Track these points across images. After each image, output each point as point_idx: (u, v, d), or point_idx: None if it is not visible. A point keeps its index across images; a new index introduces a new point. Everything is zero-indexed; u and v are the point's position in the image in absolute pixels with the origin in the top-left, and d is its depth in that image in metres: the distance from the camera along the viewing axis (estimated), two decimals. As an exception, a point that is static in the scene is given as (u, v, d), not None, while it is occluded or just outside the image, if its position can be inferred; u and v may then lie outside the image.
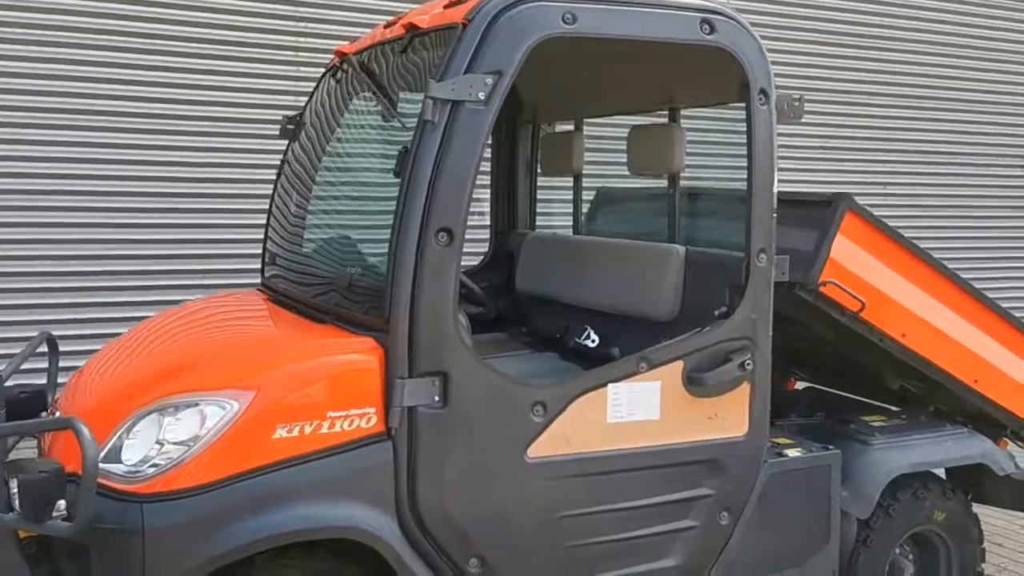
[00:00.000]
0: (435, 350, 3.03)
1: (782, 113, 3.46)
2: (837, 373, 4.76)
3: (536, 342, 4.39)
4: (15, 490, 2.81)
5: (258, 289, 4.08)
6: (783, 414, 4.23)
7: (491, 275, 4.91)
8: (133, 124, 6.66)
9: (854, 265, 3.83)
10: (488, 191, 5.02)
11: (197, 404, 2.89)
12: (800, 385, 5.17)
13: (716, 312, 3.47)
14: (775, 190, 3.49)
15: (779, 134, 3.48)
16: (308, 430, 2.91)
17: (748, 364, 3.45)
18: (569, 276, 4.28)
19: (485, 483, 3.13)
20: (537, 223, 5.08)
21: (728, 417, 3.49)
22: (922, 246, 4.11)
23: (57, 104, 6.46)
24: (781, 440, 3.89)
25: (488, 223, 5.08)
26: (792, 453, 3.75)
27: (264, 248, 4.16)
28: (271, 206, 4.16)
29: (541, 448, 3.19)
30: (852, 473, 3.90)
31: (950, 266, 4.21)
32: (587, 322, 4.10)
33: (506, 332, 4.60)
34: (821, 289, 3.78)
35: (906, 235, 4.06)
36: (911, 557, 4.18)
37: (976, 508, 4.31)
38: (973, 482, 4.44)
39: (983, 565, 4.26)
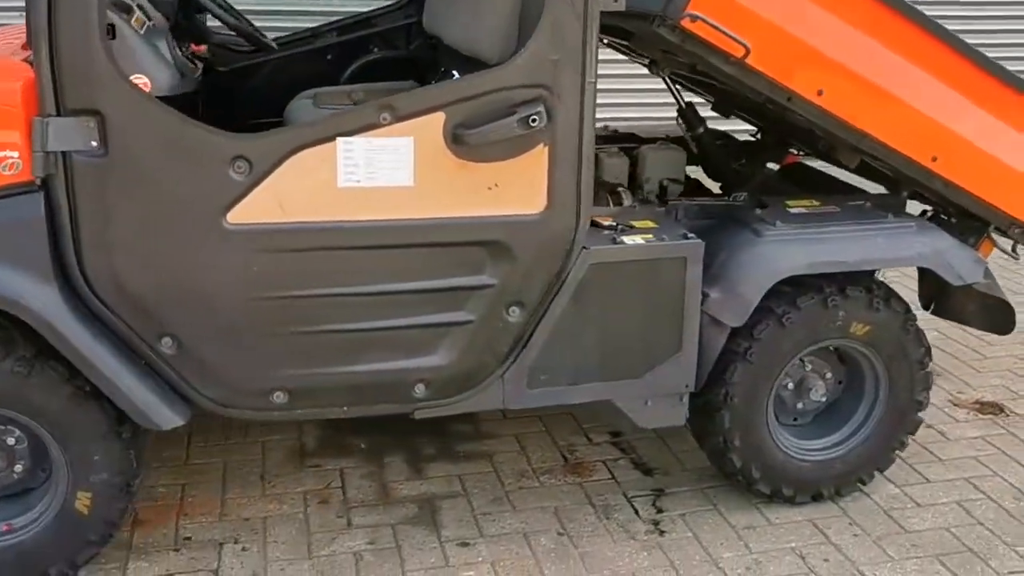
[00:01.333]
0: (83, 82, 2.42)
1: None
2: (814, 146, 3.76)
3: None
4: None
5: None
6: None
7: (412, 11, 4.15)
8: None
9: (738, -12, 2.82)
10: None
11: None
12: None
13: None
14: None
15: None
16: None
17: (535, 119, 2.63)
18: (445, 11, 3.47)
19: (170, 249, 2.58)
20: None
21: (514, 189, 2.72)
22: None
23: None
24: (639, 223, 3.07)
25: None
26: (632, 240, 2.94)
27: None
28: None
29: (246, 213, 2.59)
30: (729, 270, 3.07)
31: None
32: (457, 67, 3.33)
33: (414, 80, 3.89)
34: (686, 26, 2.82)
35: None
36: (829, 376, 3.34)
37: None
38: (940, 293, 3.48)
39: (927, 393, 3.38)
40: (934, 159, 3.14)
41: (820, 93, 2.97)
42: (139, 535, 3.14)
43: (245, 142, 2.56)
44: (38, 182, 2.48)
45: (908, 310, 3.26)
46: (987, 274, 3.29)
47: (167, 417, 2.70)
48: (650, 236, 2.97)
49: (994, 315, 3.46)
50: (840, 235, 3.13)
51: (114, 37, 2.57)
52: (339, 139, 2.58)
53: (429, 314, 2.79)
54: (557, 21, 2.61)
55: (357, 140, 2.59)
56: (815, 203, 3.36)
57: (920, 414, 3.38)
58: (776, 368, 3.19)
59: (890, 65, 3.01)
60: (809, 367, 3.32)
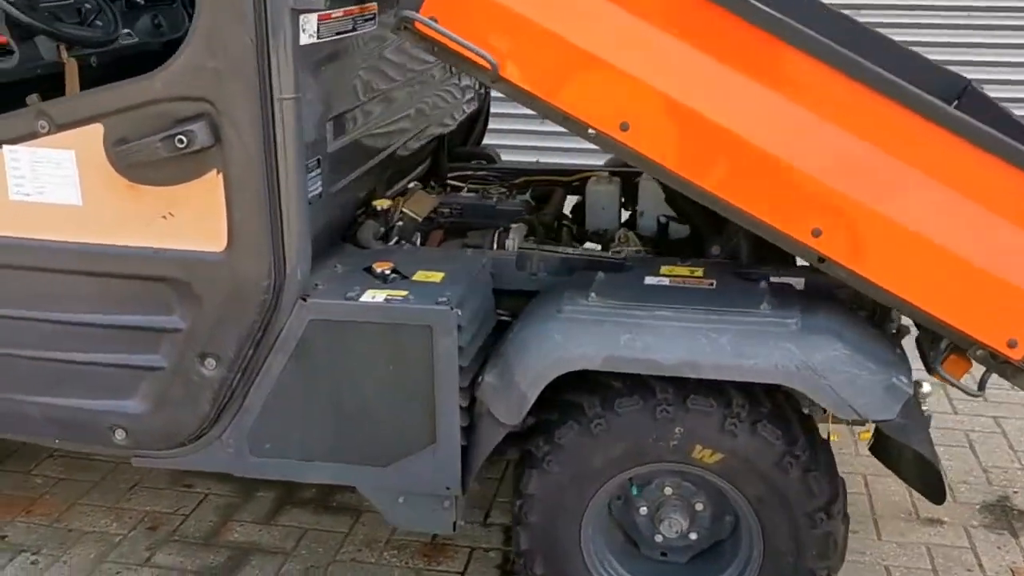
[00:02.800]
0: None
1: None
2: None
3: None
4: None
5: None
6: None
7: None
8: None
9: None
10: None
11: None
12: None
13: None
14: None
15: None
16: None
17: (182, 140, 2.15)
18: None
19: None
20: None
21: (190, 221, 2.26)
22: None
23: None
24: (422, 276, 2.43)
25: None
26: (372, 297, 2.33)
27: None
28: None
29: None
30: (509, 352, 2.34)
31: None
32: None
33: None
34: (420, 29, 2.14)
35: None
36: (700, 507, 2.45)
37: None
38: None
39: (827, 564, 2.34)
40: (815, 232, 2.12)
41: (623, 127, 2.12)
42: (-39, 524, 3.15)
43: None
44: None
45: (791, 440, 2.27)
46: (909, 413, 2.18)
47: None
48: (404, 294, 2.34)
49: (924, 473, 2.31)
50: (671, 325, 2.23)
51: None
52: (4, 147, 2.31)
53: (120, 353, 2.43)
54: (214, 24, 2.10)
55: (21, 150, 2.30)
56: (696, 272, 2.46)
57: (823, 594, 2.35)
58: (588, 486, 2.39)
59: (744, 89, 2.07)
60: (669, 490, 2.46)
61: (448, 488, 2.40)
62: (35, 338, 2.47)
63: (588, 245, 3.07)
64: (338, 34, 2.35)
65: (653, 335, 2.22)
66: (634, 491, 2.44)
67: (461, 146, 3.74)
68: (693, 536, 2.48)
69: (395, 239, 2.78)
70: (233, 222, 2.23)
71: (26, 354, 2.49)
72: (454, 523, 2.47)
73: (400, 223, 2.82)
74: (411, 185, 3.15)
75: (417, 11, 2.13)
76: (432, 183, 3.28)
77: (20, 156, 2.31)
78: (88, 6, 3.06)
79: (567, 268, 2.61)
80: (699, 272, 2.45)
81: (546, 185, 3.33)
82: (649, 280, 2.42)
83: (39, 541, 3.08)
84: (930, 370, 2.31)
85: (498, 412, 2.33)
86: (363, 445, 2.41)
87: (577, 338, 2.26)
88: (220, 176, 2.20)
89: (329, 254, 2.51)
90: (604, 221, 3.17)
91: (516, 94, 2.16)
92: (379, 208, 2.77)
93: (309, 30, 2.21)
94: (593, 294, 2.32)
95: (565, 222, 3.19)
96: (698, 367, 2.19)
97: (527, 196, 3.18)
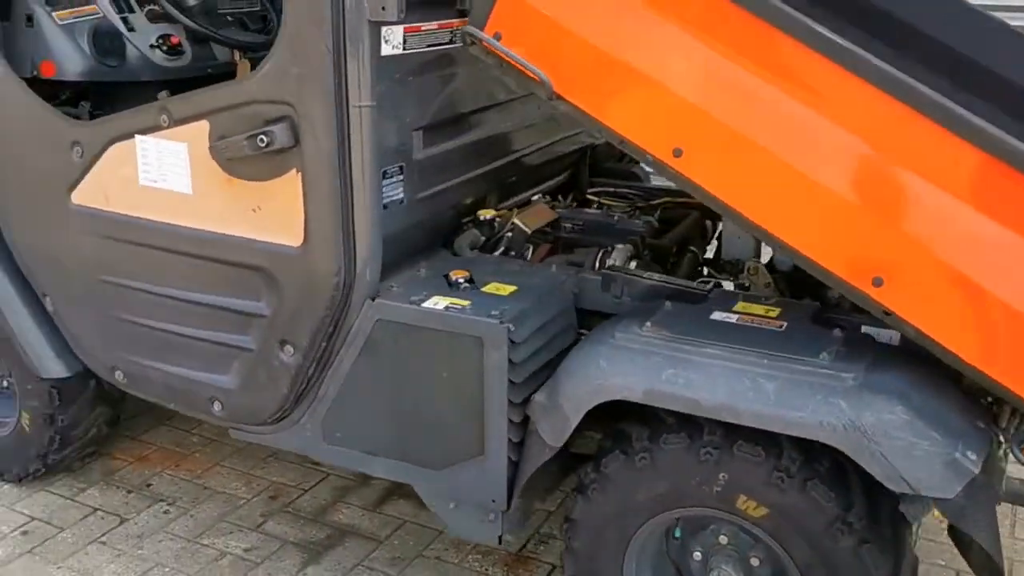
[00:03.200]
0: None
1: None
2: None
3: None
4: None
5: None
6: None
7: None
8: None
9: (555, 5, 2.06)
10: None
11: None
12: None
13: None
14: None
15: None
16: None
17: (263, 139, 2.30)
18: None
19: (37, 218, 2.87)
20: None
21: (274, 215, 2.42)
22: None
23: None
24: (499, 288, 2.46)
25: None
26: (434, 304, 2.38)
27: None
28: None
29: (83, 195, 2.76)
30: (560, 373, 2.31)
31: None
32: None
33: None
34: (488, 48, 2.16)
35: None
36: (756, 562, 2.31)
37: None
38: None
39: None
40: (876, 282, 1.92)
41: (677, 153, 2.03)
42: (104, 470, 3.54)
43: (79, 128, 2.71)
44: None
45: (846, 505, 2.08)
46: (975, 494, 1.92)
47: (52, 367, 3.01)
48: (465, 303, 2.37)
49: (989, 566, 2.01)
50: (717, 364, 2.11)
51: (32, 25, 2.89)
52: (137, 136, 2.58)
53: (219, 332, 2.64)
54: (297, 31, 2.23)
55: (149, 140, 2.56)
56: (771, 312, 2.31)
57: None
58: (630, 520, 2.31)
59: (793, 116, 1.92)
60: (724, 539, 2.33)
61: (494, 501, 2.42)
62: (156, 310, 2.73)
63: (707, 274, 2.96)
64: (431, 46, 2.42)
65: (697, 373, 2.12)
66: (676, 533, 2.34)
67: (617, 162, 3.70)
68: None
69: (502, 249, 2.81)
70: (309, 220, 2.36)
71: (149, 323, 2.76)
72: (500, 536, 2.47)
73: (509, 234, 2.85)
74: (535, 197, 3.17)
75: (483, 27, 2.16)
76: (560, 197, 3.28)
77: (148, 145, 2.57)
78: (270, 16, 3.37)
79: (653, 294, 2.53)
80: (775, 313, 2.30)
81: (683, 208, 3.23)
82: (716, 315, 2.30)
83: (176, 493, 3.40)
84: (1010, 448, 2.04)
85: (543, 432, 2.31)
86: (420, 447, 2.48)
87: (621, 367, 2.20)
88: (299, 175, 2.34)
89: (418, 258, 2.59)
90: (738, 251, 3.03)
91: (575, 112, 2.13)
92: (483, 218, 2.82)
93: (393, 41, 2.29)
94: (649, 323, 2.24)
95: (693, 248, 3.08)
96: (738, 413, 2.07)
97: (653, 217, 3.11)
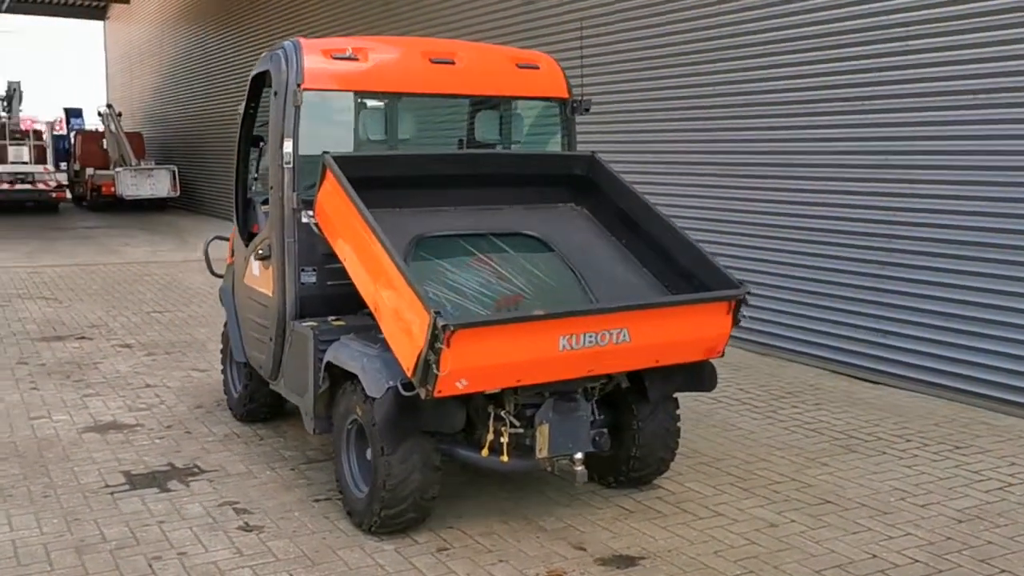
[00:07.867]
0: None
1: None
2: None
3: None
4: None
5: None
6: None
7: None
8: None
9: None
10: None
11: None
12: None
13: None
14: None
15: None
16: None
17: (264, 251, 5.83)
18: None
19: (240, 287, 6.69)
20: None
21: (268, 281, 5.92)
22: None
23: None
24: (339, 322, 5.63)
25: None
26: (302, 325, 5.61)
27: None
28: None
29: (247, 278, 6.52)
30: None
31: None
32: None
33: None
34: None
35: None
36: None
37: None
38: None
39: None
40: (375, 306, 4.81)
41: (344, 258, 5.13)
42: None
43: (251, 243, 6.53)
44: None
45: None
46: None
47: None
48: (310, 325, 5.63)
49: None
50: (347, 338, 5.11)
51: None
52: (250, 257, 6.31)
53: (263, 335, 6.17)
54: (280, 211, 5.81)
55: (251, 259, 6.28)
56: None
57: None
58: (344, 418, 5.28)
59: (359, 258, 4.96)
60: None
61: (307, 413, 5.54)
62: (255, 327, 6.38)
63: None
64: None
65: (340, 344, 5.14)
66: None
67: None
68: None
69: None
70: (275, 283, 5.87)
71: (253, 334, 6.43)
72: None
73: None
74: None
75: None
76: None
77: (252, 261, 6.29)
78: None
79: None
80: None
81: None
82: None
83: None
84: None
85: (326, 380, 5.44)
86: (296, 385, 5.73)
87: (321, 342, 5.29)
88: (273, 263, 5.88)
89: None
90: None
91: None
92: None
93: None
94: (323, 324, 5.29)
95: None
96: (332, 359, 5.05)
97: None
